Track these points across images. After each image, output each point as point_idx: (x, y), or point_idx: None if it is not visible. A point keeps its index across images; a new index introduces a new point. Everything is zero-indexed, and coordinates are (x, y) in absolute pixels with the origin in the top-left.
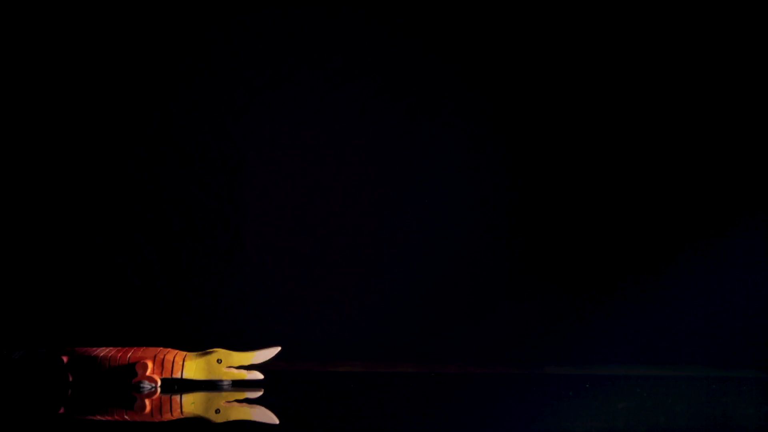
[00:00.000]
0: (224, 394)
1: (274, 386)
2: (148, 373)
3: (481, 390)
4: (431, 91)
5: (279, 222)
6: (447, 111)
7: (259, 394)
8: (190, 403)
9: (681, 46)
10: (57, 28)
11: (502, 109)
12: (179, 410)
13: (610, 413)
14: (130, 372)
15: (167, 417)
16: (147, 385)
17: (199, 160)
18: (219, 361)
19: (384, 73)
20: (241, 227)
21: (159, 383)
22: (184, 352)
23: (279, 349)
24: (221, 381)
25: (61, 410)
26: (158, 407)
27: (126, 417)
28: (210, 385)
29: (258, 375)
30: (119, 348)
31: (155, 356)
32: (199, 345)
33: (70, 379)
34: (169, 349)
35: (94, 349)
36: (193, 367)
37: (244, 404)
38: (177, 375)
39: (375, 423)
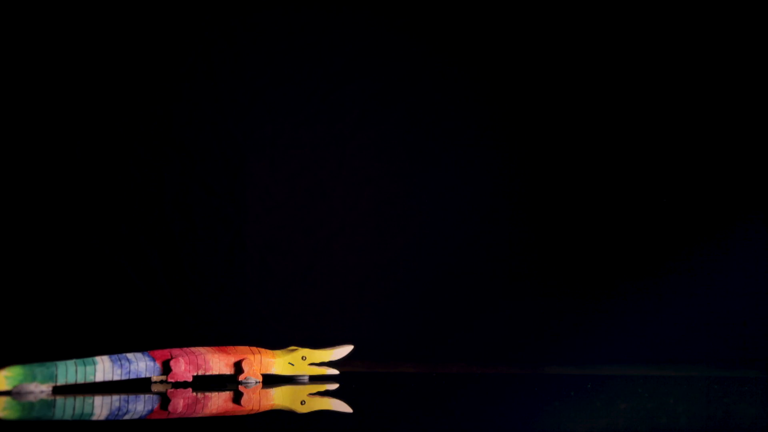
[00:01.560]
0: (306, 387)
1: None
2: (252, 369)
3: (482, 390)
4: (432, 91)
5: (280, 222)
6: (447, 112)
7: (335, 386)
8: (300, 402)
9: (681, 46)
10: (58, 28)
11: (502, 110)
12: (273, 402)
13: (612, 413)
14: (236, 369)
15: (264, 408)
16: (252, 380)
17: (201, 160)
18: (304, 358)
19: (385, 74)
20: (243, 227)
21: (261, 379)
22: (272, 351)
23: (352, 347)
24: (302, 376)
25: (186, 407)
26: (258, 400)
27: (235, 408)
28: (290, 380)
29: (334, 371)
30: (217, 347)
31: (254, 354)
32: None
33: (191, 378)
34: (260, 348)
35: (199, 348)
36: (281, 364)
37: (325, 396)
38: (270, 371)
39: (375, 423)
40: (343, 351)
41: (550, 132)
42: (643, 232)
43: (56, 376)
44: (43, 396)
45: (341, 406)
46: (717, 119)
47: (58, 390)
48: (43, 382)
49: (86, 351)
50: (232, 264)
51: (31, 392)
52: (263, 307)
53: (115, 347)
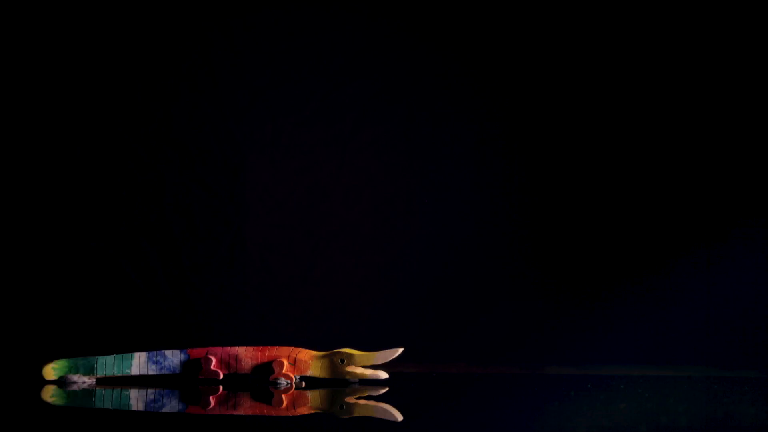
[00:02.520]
0: (348, 390)
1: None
2: (284, 371)
3: (482, 390)
4: (432, 91)
5: (280, 222)
6: (447, 111)
7: (383, 391)
8: (339, 406)
9: (681, 47)
10: (58, 28)
11: (502, 110)
12: (308, 405)
13: (612, 413)
14: (268, 369)
15: (299, 411)
16: (283, 382)
17: (201, 160)
18: (342, 360)
19: (385, 74)
20: (243, 227)
21: (294, 380)
22: (313, 352)
23: (401, 350)
24: (348, 379)
25: (212, 404)
26: (291, 402)
27: (265, 410)
28: (340, 383)
29: (381, 374)
30: (256, 347)
31: (289, 355)
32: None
33: (221, 376)
34: (300, 348)
35: (236, 348)
36: (318, 366)
37: (369, 401)
38: (307, 373)
39: (376, 422)
40: (389, 354)
41: (551, 132)
42: (643, 233)
43: (95, 368)
44: (86, 386)
45: (383, 412)
46: (718, 120)
47: (100, 381)
48: (84, 373)
49: (87, 351)
50: (232, 264)
51: (74, 382)
52: (263, 307)
53: (114, 347)
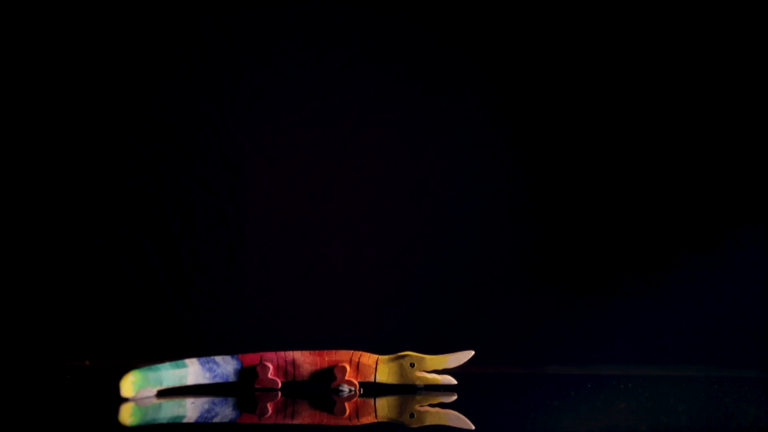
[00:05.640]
0: (418, 398)
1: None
2: (347, 376)
3: (482, 390)
4: (432, 91)
5: (280, 222)
6: (448, 111)
7: (453, 398)
8: (410, 415)
9: (682, 47)
10: (58, 28)
11: (503, 109)
12: (374, 414)
13: (612, 413)
14: (329, 375)
15: (363, 421)
16: (346, 389)
17: (201, 160)
18: (412, 365)
19: (385, 73)
20: (243, 227)
21: (358, 387)
22: (377, 356)
23: (472, 353)
24: (417, 384)
25: (269, 413)
26: (355, 411)
27: (325, 420)
28: (404, 388)
29: (451, 380)
30: (312, 351)
31: (350, 359)
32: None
33: (279, 385)
34: (362, 352)
35: (290, 352)
36: (385, 370)
37: (438, 409)
38: (370, 379)
39: (377, 422)
40: (461, 357)
41: (553, 130)
42: (644, 232)
43: (162, 380)
44: (151, 399)
45: (458, 421)
46: (721, 121)
47: (160, 393)
48: (153, 386)
49: (86, 352)
50: (231, 263)
51: (146, 397)
52: (263, 307)
53: (114, 348)
